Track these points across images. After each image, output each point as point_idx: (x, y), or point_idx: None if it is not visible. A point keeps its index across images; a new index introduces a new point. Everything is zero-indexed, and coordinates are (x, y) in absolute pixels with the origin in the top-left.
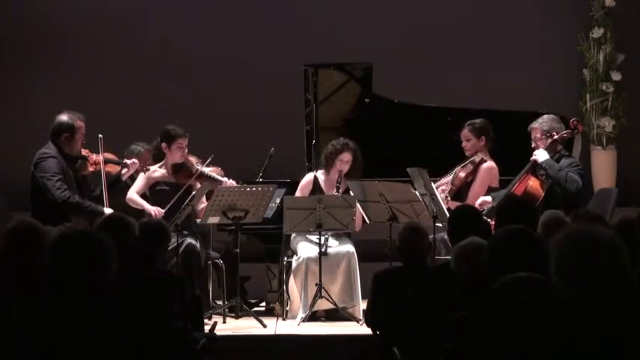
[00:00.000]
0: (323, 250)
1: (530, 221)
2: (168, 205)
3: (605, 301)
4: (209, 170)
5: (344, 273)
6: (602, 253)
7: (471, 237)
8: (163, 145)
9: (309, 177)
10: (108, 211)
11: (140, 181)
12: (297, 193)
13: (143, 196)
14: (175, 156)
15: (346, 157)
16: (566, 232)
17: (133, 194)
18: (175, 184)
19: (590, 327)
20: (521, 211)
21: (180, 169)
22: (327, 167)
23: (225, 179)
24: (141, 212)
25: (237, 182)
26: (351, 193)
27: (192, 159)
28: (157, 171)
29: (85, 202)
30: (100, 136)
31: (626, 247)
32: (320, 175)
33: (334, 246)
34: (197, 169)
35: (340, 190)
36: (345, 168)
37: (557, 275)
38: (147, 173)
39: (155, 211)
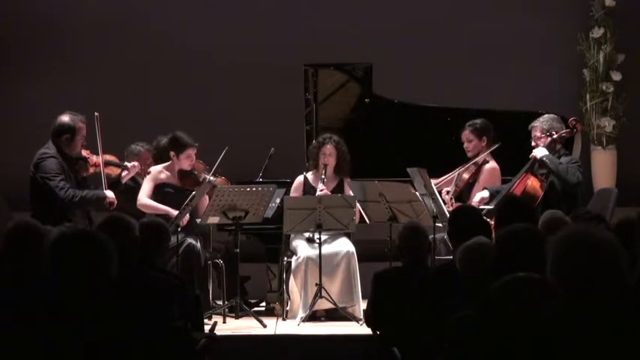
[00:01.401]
0: (310, 236)
1: (529, 221)
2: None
3: (602, 301)
4: (216, 180)
5: (343, 272)
6: (596, 254)
7: (477, 237)
8: (172, 153)
9: (299, 179)
10: (109, 193)
11: (148, 184)
12: (292, 195)
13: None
14: (183, 165)
15: (328, 149)
16: (561, 233)
17: (146, 200)
18: (181, 188)
19: (590, 327)
20: (520, 212)
21: (188, 177)
22: (315, 165)
23: None
24: (142, 212)
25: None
26: (347, 188)
27: (200, 165)
28: (163, 172)
29: (89, 194)
30: (97, 114)
31: (623, 248)
32: (309, 175)
33: (334, 245)
34: (204, 178)
35: (326, 182)
36: (330, 161)
37: (553, 276)
38: (152, 174)
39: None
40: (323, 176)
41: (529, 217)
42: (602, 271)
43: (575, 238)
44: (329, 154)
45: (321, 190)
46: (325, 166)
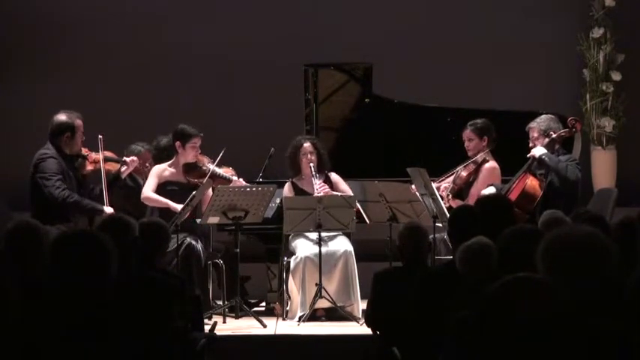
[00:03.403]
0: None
1: (508, 220)
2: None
3: (598, 301)
4: (221, 171)
5: (341, 271)
6: (585, 251)
7: (477, 237)
8: (177, 144)
9: (287, 186)
10: (108, 209)
11: (153, 179)
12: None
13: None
14: (189, 155)
15: (307, 148)
16: (546, 237)
17: (150, 193)
18: (186, 184)
19: (590, 327)
20: (473, 220)
21: (193, 169)
22: (297, 169)
23: (235, 178)
24: (142, 213)
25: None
26: (336, 182)
27: (204, 158)
28: (167, 169)
29: (84, 201)
30: (100, 137)
31: (609, 239)
32: (295, 180)
33: (332, 244)
34: (209, 169)
35: (320, 179)
36: (312, 158)
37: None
38: (157, 171)
39: (181, 209)
40: (314, 172)
41: (506, 216)
42: (593, 266)
43: (560, 240)
44: (310, 152)
45: (321, 186)
46: (311, 165)
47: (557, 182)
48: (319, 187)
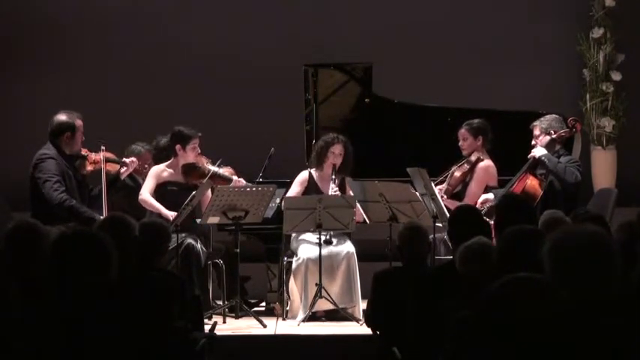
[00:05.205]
0: (327, 238)
1: (530, 219)
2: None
3: (599, 301)
4: (221, 171)
5: (343, 273)
6: (588, 252)
7: (477, 237)
8: (177, 147)
9: (304, 174)
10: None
11: (151, 180)
12: (293, 188)
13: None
14: (190, 157)
15: (337, 149)
16: (551, 236)
17: (147, 196)
18: (185, 185)
19: (590, 327)
20: (520, 210)
21: (193, 170)
22: (320, 163)
23: (235, 178)
24: (142, 213)
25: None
26: (347, 187)
27: (203, 159)
28: (166, 170)
29: (82, 208)
30: (103, 147)
31: (617, 245)
32: (314, 172)
33: (334, 245)
34: (209, 170)
35: (337, 183)
36: (338, 161)
37: (551, 278)
38: (155, 172)
39: (173, 216)
40: (334, 176)
41: (530, 215)
42: (597, 265)
43: (565, 239)
44: (338, 154)
45: (335, 191)
46: (334, 166)
47: (558, 183)
48: (333, 191)
